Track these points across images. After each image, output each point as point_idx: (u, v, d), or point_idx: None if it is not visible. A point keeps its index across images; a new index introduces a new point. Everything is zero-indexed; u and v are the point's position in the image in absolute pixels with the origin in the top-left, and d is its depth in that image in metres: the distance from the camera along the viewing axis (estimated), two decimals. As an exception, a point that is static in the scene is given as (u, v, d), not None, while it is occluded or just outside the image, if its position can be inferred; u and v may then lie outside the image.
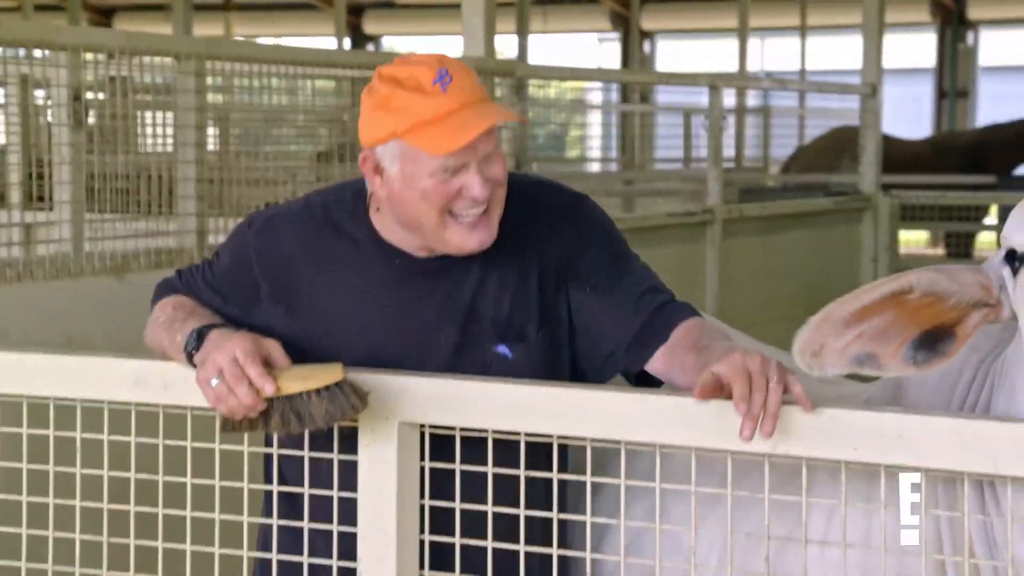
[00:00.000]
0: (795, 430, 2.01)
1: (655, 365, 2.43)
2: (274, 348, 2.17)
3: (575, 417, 2.19)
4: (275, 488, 2.36)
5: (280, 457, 2.37)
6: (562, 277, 2.47)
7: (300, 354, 2.26)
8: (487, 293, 2.45)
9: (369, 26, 24.03)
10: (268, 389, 2.13)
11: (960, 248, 12.28)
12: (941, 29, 20.02)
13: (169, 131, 4.84)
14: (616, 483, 2.22)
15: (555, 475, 2.23)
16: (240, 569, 2.33)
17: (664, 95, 15.41)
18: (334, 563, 2.28)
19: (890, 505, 2.11)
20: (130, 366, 2.35)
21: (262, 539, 2.39)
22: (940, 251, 13.17)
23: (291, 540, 2.34)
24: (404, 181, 2.33)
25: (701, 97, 13.35)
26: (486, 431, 2.21)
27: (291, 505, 2.34)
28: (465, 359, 2.41)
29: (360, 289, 2.44)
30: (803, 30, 16.64)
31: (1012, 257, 2.12)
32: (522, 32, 15.26)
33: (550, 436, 2.20)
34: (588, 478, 2.25)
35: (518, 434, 2.19)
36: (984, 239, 12.58)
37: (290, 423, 2.16)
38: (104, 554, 2.32)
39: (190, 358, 2.23)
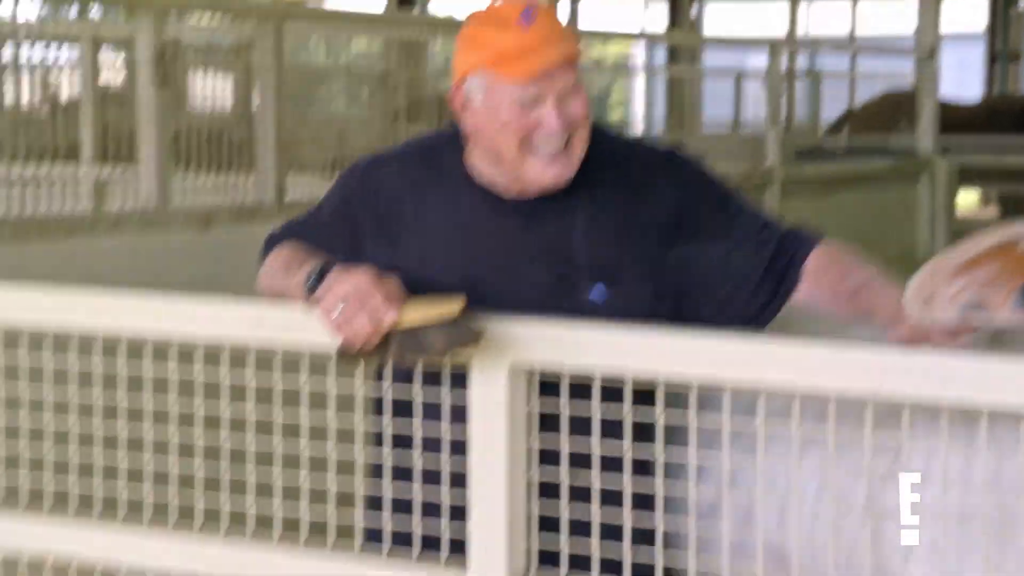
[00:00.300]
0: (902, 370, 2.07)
1: (798, 295, 2.49)
2: (393, 281, 2.21)
3: (683, 358, 2.22)
4: (386, 425, 2.40)
5: (393, 399, 2.40)
6: (670, 230, 2.50)
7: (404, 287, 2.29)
8: (584, 238, 2.48)
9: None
10: (390, 317, 2.17)
11: (1013, 209, 12.21)
12: None
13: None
14: (719, 426, 2.26)
15: (661, 415, 2.23)
16: (352, 502, 2.41)
17: (712, 59, 15.36)
18: (444, 497, 2.31)
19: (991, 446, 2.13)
20: (251, 308, 2.41)
21: (372, 476, 2.45)
22: (993, 213, 13.10)
23: (401, 477, 2.39)
24: (487, 113, 2.41)
25: (750, 60, 13.36)
26: (596, 374, 2.22)
27: (400, 445, 2.40)
28: (559, 300, 2.43)
29: (456, 225, 2.49)
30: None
31: None
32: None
33: (656, 378, 2.22)
34: (693, 420, 2.26)
35: (624, 377, 2.21)
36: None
37: (407, 353, 2.20)
38: (225, 485, 2.40)
39: (311, 292, 2.27)
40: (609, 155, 2.56)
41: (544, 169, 2.42)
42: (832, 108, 12.09)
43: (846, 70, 13.63)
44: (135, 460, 2.46)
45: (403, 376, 2.36)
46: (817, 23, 18.71)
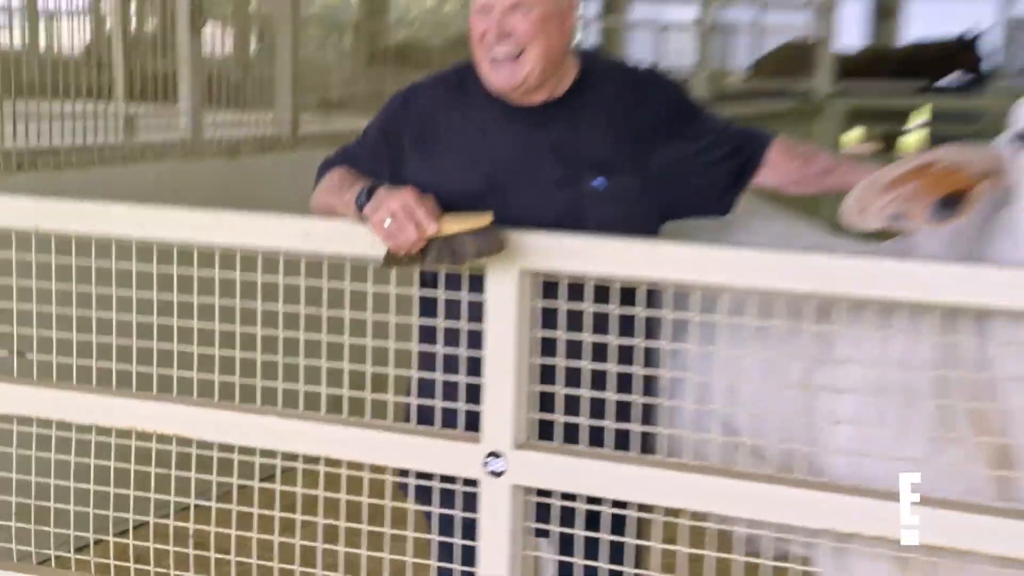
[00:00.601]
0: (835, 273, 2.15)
1: (763, 179, 2.57)
2: (431, 199, 2.26)
3: (658, 264, 2.28)
4: (416, 321, 2.47)
5: (423, 300, 2.47)
6: (655, 134, 2.54)
7: (440, 191, 2.32)
8: (585, 138, 2.51)
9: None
10: (432, 228, 2.21)
11: (892, 144, 12.40)
12: None
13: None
14: (690, 319, 2.34)
15: (643, 312, 2.32)
16: (386, 386, 2.46)
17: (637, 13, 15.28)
18: (462, 378, 2.39)
19: (903, 333, 2.24)
20: (300, 223, 2.46)
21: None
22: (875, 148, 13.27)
23: (431, 362, 2.46)
24: (470, 26, 2.49)
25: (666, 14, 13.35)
26: (588, 278, 2.28)
27: (430, 336, 2.46)
28: (566, 189, 2.48)
29: (479, 134, 2.53)
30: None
31: (1020, 138, 2.21)
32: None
33: (640, 280, 2.29)
34: (670, 314, 2.36)
35: (612, 279, 2.28)
36: (908, 141, 12.79)
37: (445, 258, 2.25)
38: (279, 372, 2.48)
39: (360, 208, 2.31)
40: (603, 72, 2.61)
41: (490, 71, 2.46)
42: (743, 57, 12.17)
43: (752, 22, 13.66)
44: (206, 349, 2.54)
45: (433, 280, 2.43)
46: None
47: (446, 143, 2.54)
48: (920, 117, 12.57)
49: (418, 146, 2.55)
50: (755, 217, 2.78)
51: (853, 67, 11.87)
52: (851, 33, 18.71)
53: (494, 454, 2.35)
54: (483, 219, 2.25)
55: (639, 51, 12.44)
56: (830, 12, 9.20)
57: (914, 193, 2.18)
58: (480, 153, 2.51)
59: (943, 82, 13.49)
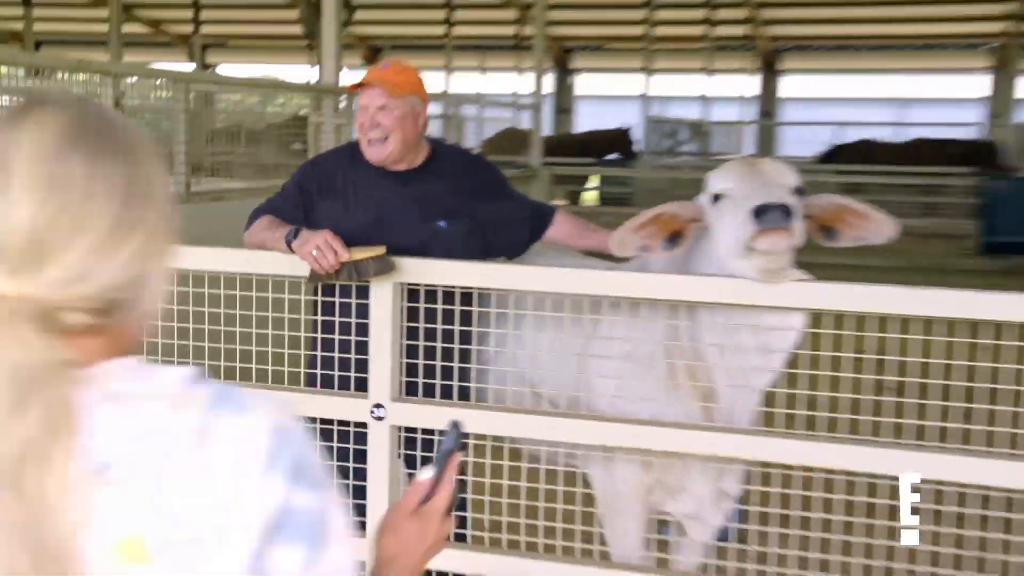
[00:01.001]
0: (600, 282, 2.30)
1: (549, 236, 2.69)
2: (339, 236, 2.31)
3: (486, 278, 2.40)
4: (320, 318, 2.51)
5: (324, 303, 2.51)
6: (478, 194, 2.65)
7: (339, 229, 2.33)
8: (433, 194, 2.59)
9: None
10: (345, 255, 2.29)
11: (577, 201, 12.96)
12: (559, 73, 20.52)
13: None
14: (507, 312, 2.45)
15: (475, 308, 2.46)
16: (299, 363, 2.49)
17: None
18: (353, 355, 2.43)
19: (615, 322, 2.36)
20: (243, 253, 2.48)
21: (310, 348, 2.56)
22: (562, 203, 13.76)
23: (329, 349, 2.49)
24: (356, 117, 2.57)
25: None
26: (439, 287, 2.37)
27: (329, 328, 2.50)
28: (423, 229, 2.55)
29: (365, 187, 2.56)
30: (482, 70, 16.62)
31: (712, 197, 2.28)
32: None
33: (471, 288, 2.40)
34: (493, 310, 2.48)
35: (454, 288, 2.38)
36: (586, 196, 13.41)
37: (353, 276, 2.31)
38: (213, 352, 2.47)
39: (289, 243, 2.34)
40: (446, 152, 2.73)
41: (367, 148, 2.54)
42: (472, 140, 12.37)
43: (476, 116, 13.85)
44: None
45: (331, 290, 2.48)
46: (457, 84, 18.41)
47: (343, 195, 2.58)
48: (593, 181, 13.27)
49: (324, 197, 2.58)
50: (552, 252, 2.85)
51: (552, 148, 12.35)
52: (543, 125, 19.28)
53: (378, 405, 2.42)
54: (379, 249, 2.33)
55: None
56: (539, 111, 9.66)
57: (652, 233, 2.31)
58: (367, 203, 2.56)
59: (606, 159, 14.12)
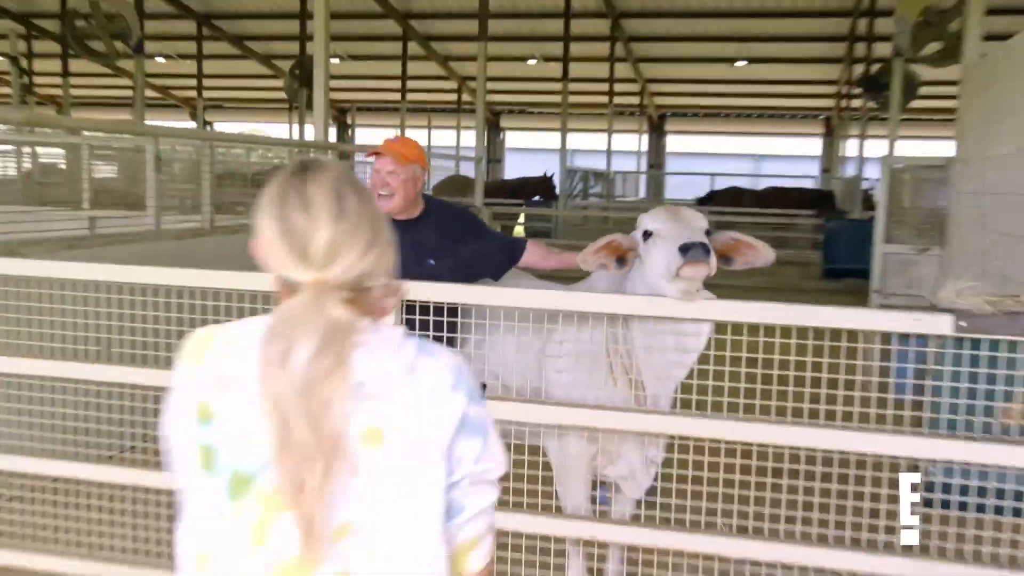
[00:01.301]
0: (555, 299, 2.21)
1: (524, 261, 2.68)
2: None
3: (466, 296, 2.31)
4: None
5: None
6: (460, 237, 2.65)
7: None
8: (426, 239, 2.61)
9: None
10: None
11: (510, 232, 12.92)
12: (491, 130, 20.55)
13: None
14: (481, 322, 2.41)
15: (459, 320, 2.43)
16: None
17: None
18: None
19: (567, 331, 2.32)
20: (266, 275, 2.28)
21: None
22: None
23: None
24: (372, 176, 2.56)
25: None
26: (431, 303, 2.30)
27: None
28: (419, 266, 2.57)
29: None
30: (429, 128, 16.27)
31: (645, 234, 2.28)
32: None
33: (456, 303, 2.33)
34: (474, 320, 2.47)
35: (442, 303, 2.31)
36: (517, 231, 13.41)
37: None
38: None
39: None
40: (437, 205, 2.72)
41: (379, 203, 2.52)
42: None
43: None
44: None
45: None
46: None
47: None
48: (522, 218, 13.31)
49: None
50: (521, 278, 2.82)
51: (489, 191, 12.35)
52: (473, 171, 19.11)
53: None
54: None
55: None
56: (480, 163, 9.69)
57: (606, 255, 2.30)
58: None
59: (533, 200, 14.09)
